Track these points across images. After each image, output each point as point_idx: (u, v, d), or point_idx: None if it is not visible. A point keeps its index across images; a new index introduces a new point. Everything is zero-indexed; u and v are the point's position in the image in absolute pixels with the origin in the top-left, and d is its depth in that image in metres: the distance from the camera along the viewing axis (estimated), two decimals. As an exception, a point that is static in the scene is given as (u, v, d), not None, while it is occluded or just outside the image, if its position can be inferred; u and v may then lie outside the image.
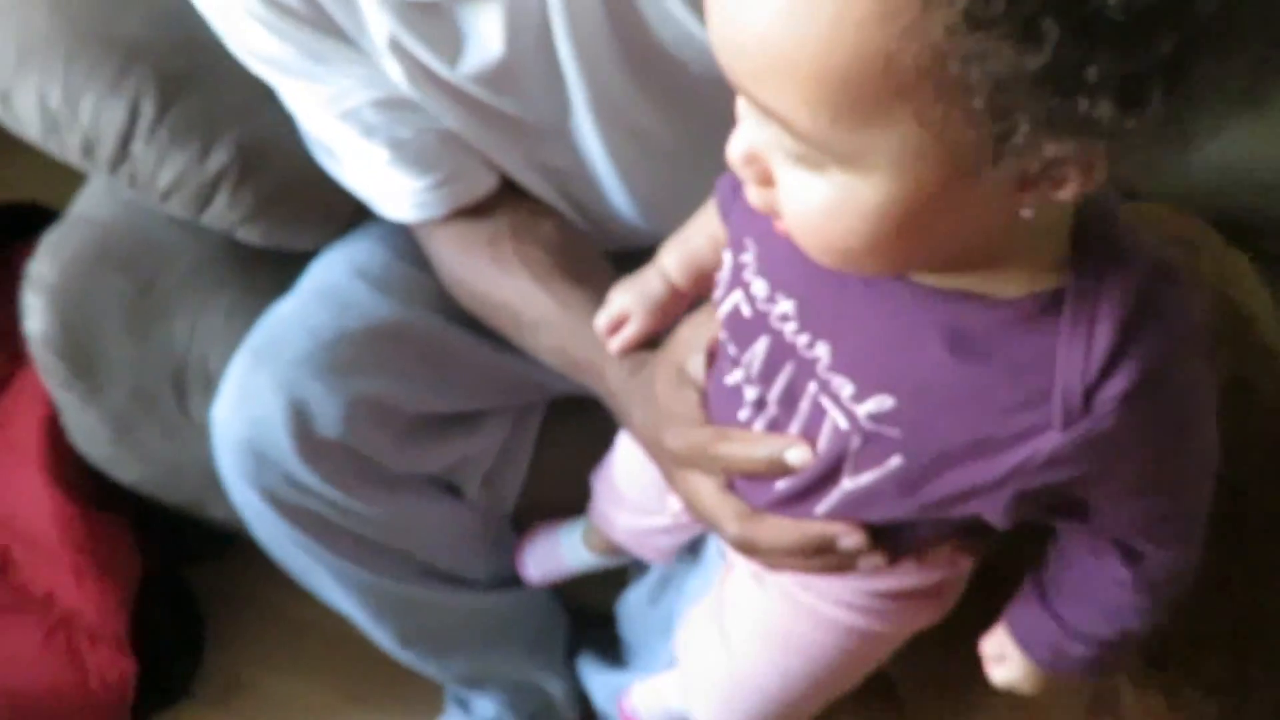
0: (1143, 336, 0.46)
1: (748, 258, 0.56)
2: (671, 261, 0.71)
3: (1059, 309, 0.46)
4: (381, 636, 1.07)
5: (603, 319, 0.74)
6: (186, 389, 1.01)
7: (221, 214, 0.93)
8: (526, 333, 0.84)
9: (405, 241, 0.93)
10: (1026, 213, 0.44)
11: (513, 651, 1.15)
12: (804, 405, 0.54)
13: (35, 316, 0.99)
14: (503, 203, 0.87)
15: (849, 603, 0.64)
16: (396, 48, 0.77)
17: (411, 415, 0.93)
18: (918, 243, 0.45)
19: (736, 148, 0.46)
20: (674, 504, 0.77)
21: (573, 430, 1.01)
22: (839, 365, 0.52)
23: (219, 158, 0.91)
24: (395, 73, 0.79)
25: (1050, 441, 0.47)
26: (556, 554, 1.04)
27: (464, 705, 1.22)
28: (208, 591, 1.31)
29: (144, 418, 1.03)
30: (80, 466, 1.10)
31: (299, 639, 1.30)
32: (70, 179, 1.05)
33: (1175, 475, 0.51)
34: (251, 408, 0.87)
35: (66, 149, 0.93)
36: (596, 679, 1.19)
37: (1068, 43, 0.36)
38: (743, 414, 0.58)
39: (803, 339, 0.53)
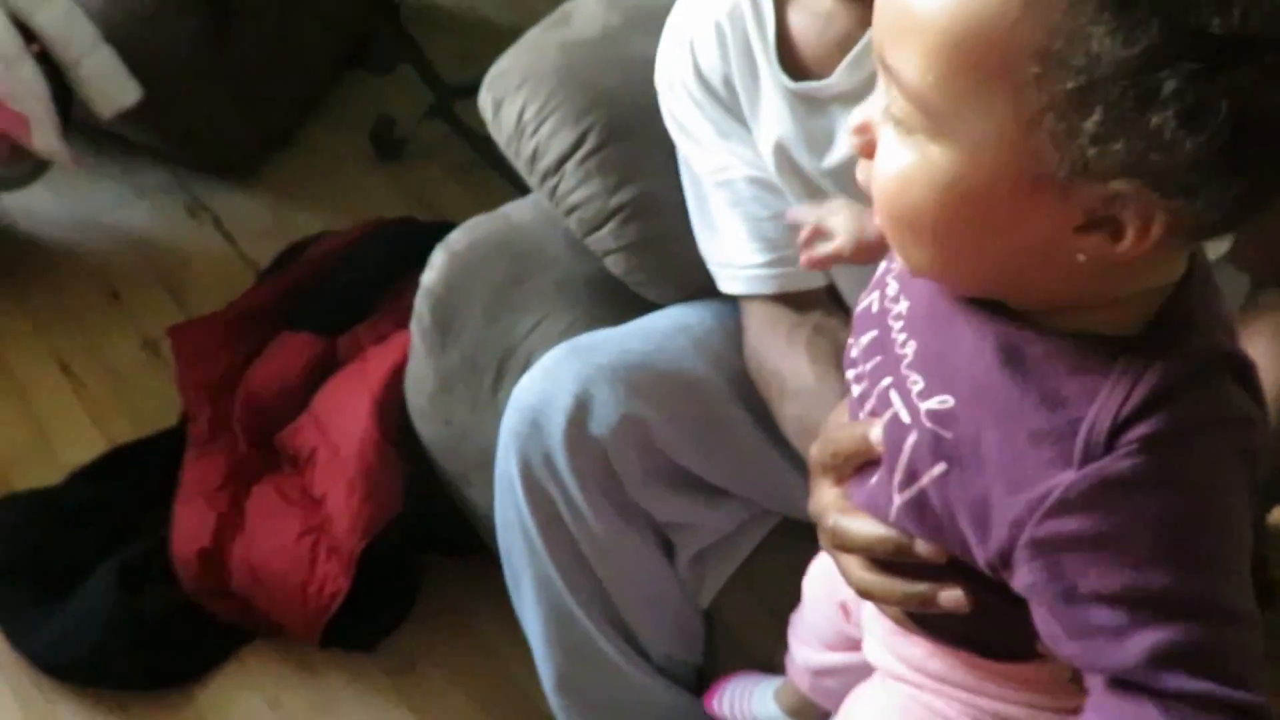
0: (1182, 399, 0.47)
1: (896, 264, 0.61)
2: None
3: (1117, 359, 0.48)
4: (546, 670, 1.12)
5: (810, 214, 0.77)
6: (504, 374, 1.16)
7: (603, 239, 1.10)
8: (784, 400, 0.91)
9: (734, 322, 1.03)
10: (1081, 258, 0.47)
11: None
12: (874, 395, 0.58)
13: (433, 270, 1.19)
14: (820, 304, 0.96)
15: (961, 710, 0.63)
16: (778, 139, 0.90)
17: (667, 459, 1.01)
18: (971, 242, 0.49)
19: (854, 118, 0.52)
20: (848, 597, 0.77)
21: (791, 555, 1.03)
22: (916, 363, 0.56)
23: (623, 196, 1.08)
24: (768, 156, 0.92)
25: (1066, 479, 0.48)
26: (749, 696, 1.05)
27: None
28: (434, 579, 1.42)
29: (463, 384, 1.19)
30: (401, 410, 1.27)
31: (479, 660, 1.37)
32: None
33: (1181, 551, 0.48)
34: (549, 384, 0.99)
35: (519, 154, 1.15)
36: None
37: (1161, 42, 0.41)
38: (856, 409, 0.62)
39: (901, 336, 0.57)
